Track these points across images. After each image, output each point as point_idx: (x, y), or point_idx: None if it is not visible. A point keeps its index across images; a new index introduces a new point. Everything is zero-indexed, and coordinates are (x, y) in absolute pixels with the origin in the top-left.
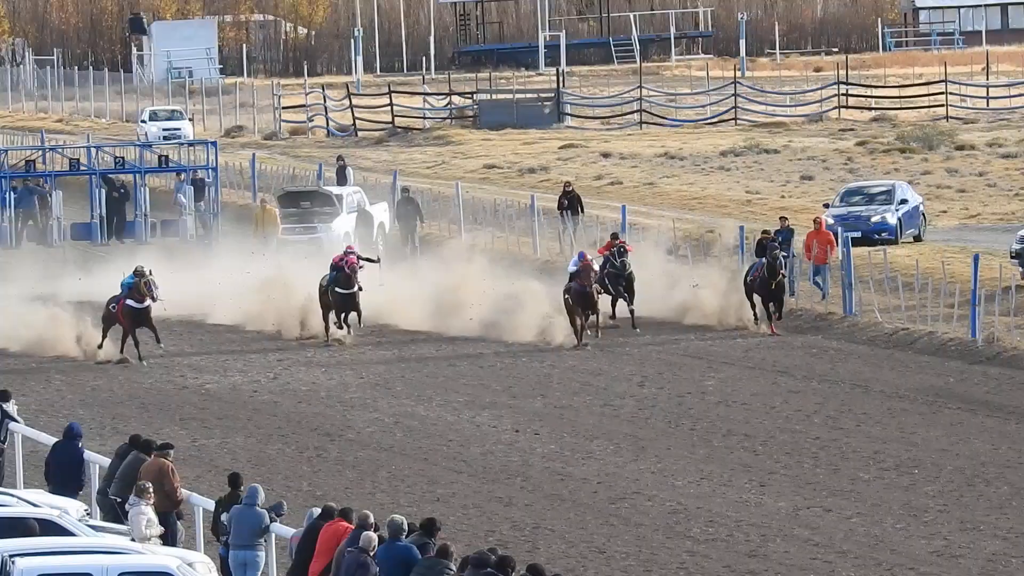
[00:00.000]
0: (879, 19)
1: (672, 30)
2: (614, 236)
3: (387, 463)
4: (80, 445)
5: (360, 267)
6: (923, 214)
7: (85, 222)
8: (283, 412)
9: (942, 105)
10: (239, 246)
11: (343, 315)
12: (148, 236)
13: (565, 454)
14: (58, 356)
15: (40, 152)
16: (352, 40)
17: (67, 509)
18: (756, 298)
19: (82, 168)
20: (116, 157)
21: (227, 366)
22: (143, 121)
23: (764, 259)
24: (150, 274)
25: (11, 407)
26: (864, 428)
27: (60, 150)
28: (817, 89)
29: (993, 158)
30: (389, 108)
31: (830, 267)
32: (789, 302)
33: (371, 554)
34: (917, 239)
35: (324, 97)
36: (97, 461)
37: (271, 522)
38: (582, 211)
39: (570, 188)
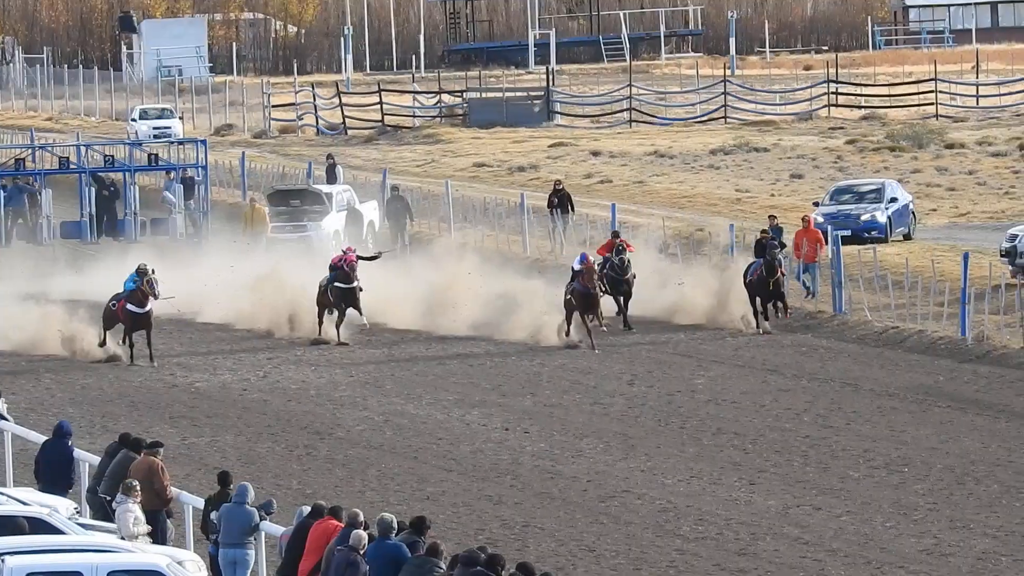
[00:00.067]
0: (869, 17)
1: (662, 28)
2: (615, 234)
3: (377, 461)
4: (70, 443)
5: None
6: (913, 212)
7: (75, 220)
8: (273, 410)
9: (932, 103)
10: (228, 244)
11: (342, 312)
12: (138, 234)
13: (555, 452)
14: (48, 355)
15: (30, 150)
16: (342, 38)
17: (57, 507)
18: (757, 300)
19: (72, 166)
20: (106, 155)
21: (217, 364)
22: (133, 119)
23: (763, 259)
24: (152, 272)
25: (1, 405)
26: (854, 426)
27: (50, 148)
28: (807, 88)
29: (983, 156)
30: (379, 106)
31: (819, 265)
32: None
33: (361, 552)
34: (907, 237)
35: (314, 95)
36: (87, 459)
37: (261, 520)
38: (572, 209)
39: (560, 186)
